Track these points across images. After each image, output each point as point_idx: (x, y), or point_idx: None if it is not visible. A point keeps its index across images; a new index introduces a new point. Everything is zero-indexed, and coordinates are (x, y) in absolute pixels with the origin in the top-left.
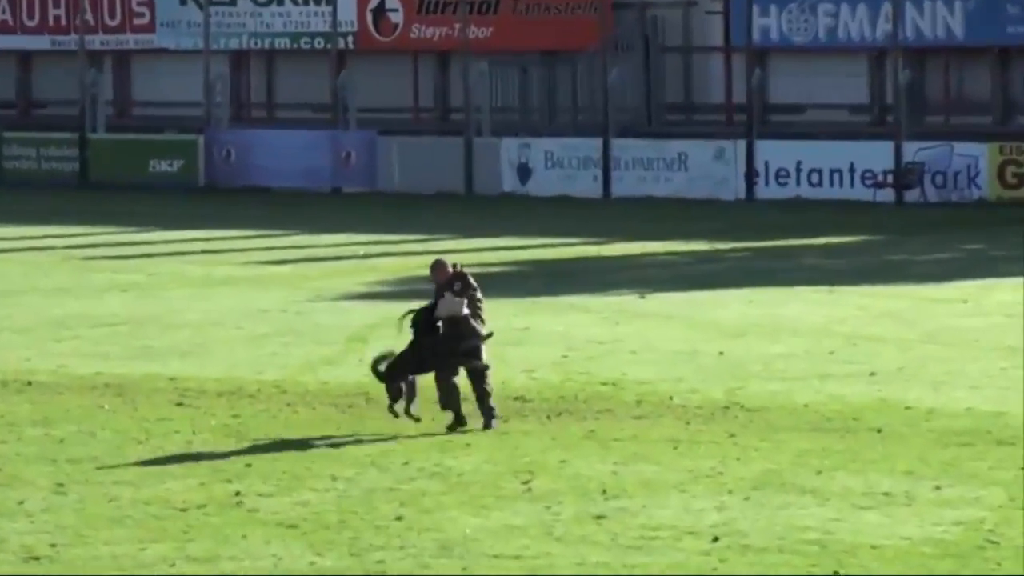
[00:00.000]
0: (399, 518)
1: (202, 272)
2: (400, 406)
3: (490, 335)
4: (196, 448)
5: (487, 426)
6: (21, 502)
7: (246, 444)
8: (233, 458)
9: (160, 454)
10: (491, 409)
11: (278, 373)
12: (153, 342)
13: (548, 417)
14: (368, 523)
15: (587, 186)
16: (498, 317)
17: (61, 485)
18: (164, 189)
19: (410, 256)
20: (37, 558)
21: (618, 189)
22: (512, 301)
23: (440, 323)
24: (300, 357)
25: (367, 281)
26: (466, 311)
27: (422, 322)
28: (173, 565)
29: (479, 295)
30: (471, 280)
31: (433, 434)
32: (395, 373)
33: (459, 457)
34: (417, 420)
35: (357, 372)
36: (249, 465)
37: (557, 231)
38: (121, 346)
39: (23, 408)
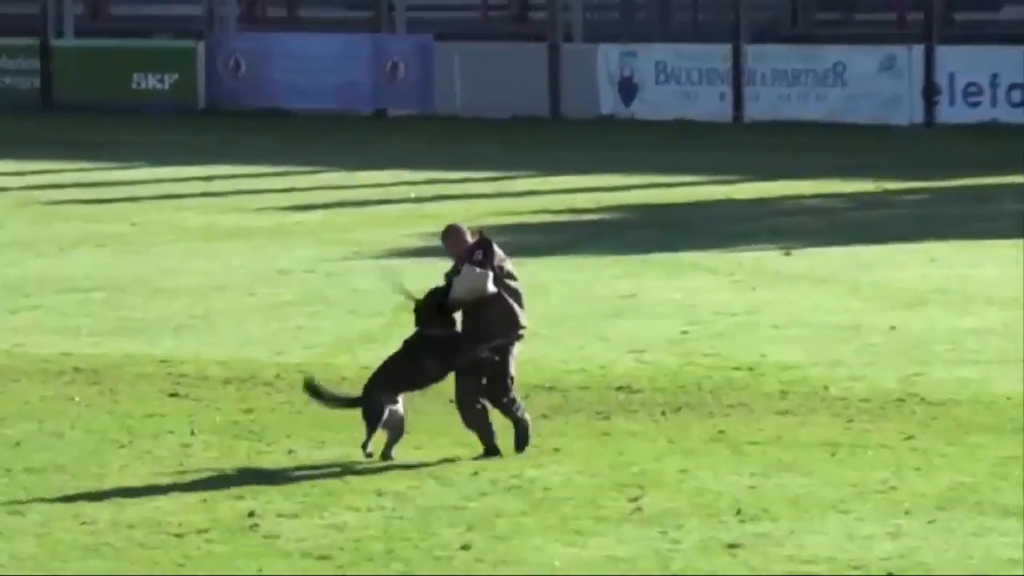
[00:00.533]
0: (465, 547)
1: (203, 221)
2: (375, 442)
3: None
4: (196, 453)
5: (519, 447)
6: None
7: (262, 448)
8: (245, 467)
9: (148, 462)
10: (519, 417)
11: (303, 354)
12: (138, 313)
13: (663, 413)
14: (425, 553)
15: (711, 107)
16: (596, 281)
17: (18, 503)
18: (152, 112)
19: (476, 199)
20: None
21: (753, 111)
22: (614, 259)
23: (453, 310)
24: (332, 333)
25: (419, 232)
26: (493, 287)
27: (425, 309)
28: None
29: (510, 267)
30: (499, 250)
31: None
32: (378, 387)
33: (545, 466)
34: (391, 459)
35: None
36: (266, 476)
37: (673, 166)
38: (96, 318)
39: None
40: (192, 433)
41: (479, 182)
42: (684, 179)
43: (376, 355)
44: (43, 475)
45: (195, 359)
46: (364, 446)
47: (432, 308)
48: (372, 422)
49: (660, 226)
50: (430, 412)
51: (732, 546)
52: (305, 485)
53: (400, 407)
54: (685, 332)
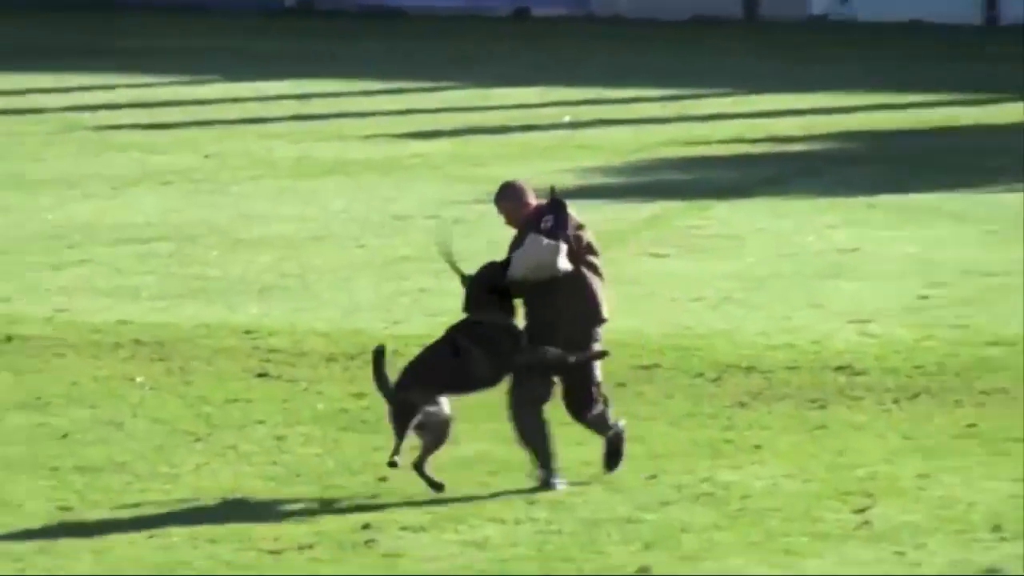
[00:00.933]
0: (643, 570)
1: (294, 152)
2: (403, 452)
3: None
4: (292, 449)
5: (610, 465)
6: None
7: (377, 443)
8: (356, 467)
9: (232, 459)
10: (610, 427)
11: (425, 323)
12: (214, 271)
13: (895, 401)
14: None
15: (956, 5)
16: (806, 230)
17: (68, 510)
18: (229, 9)
19: (647, 125)
20: None
21: (1010, 11)
22: (829, 202)
23: (513, 292)
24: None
25: (574, 167)
26: (567, 263)
27: (475, 290)
28: None
29: (591, 239)
30: (575, 215)
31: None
32: (411, 384)
33: (743, 467)
34: (437, 487)
35: None
36: (384, 480)
37: (904, 82)
38: (161, 277)
39: (1, 381)
40: (287, 424)
41: (651, 102)
42: (920, 99)
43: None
44: (99, 475)
45: (288, 329)
46: (391, 457)
47: (484, 288)
48: (400, 427)
49: (889, 160)
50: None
51: (991, 571)
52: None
53: (443, 408)
54: (923, 297)
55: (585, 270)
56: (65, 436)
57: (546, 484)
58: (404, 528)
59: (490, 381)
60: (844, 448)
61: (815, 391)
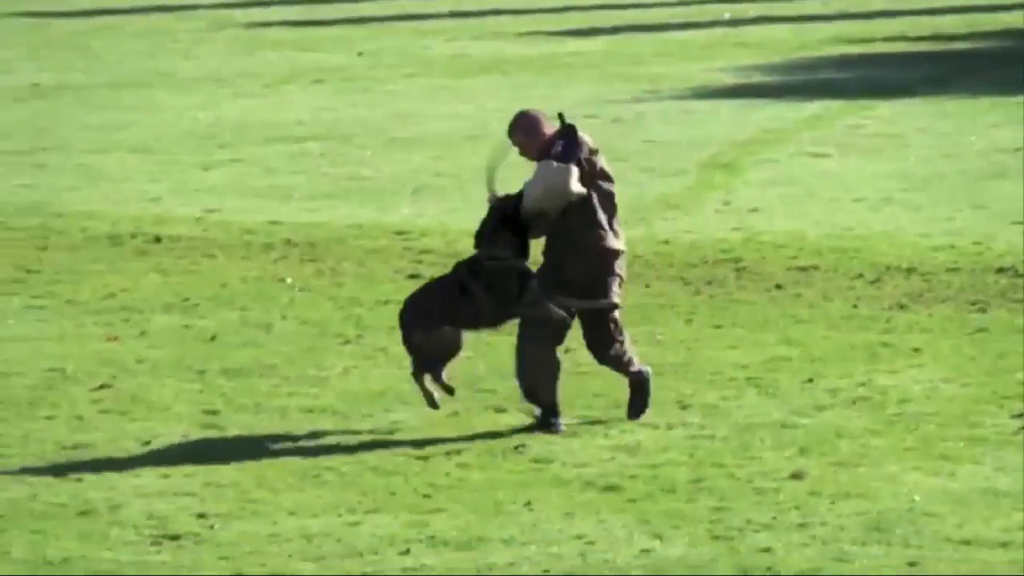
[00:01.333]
0: (796, 475)
1: (449, 50)
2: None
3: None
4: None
5: (633, 411)
6: (147, 442)
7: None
8: (508, 371)
9: (382, 362)
10: (629, 368)
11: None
12: (366, 170)
13: None
14: (743, 484)
15: None
16: (969, 130)
17: (213, 414)
18: None
19: (809, 23)
20: (175, 537)
21: None
22: (992, 101)
23: (529, 227)
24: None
25: (735, 65)
26: (579, 187)
27: (488, 223)
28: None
29: (604, 164)
30: (587, 139)
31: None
32: (414, 322)
33: (901, 371)
34: (449, 392)
35: (725, 222)
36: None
37: None
38: (312, 177)
39: (148, 282)
40: None
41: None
42: None
43: (677, 225)
44: (247, 379)
45: (441, 230)
46: (428, 399)
47: (496, 221)
48: (422, 365)
49: None
50: (750, 301)
51: None
52: (586, 395)
53: (452, 335)
54: None
55: (596, 201)
56: (213, 338)
57: (548, 426)
58: (555, 433)
59: (493, 322)
60: (1004, 351)
61: (976, 293)
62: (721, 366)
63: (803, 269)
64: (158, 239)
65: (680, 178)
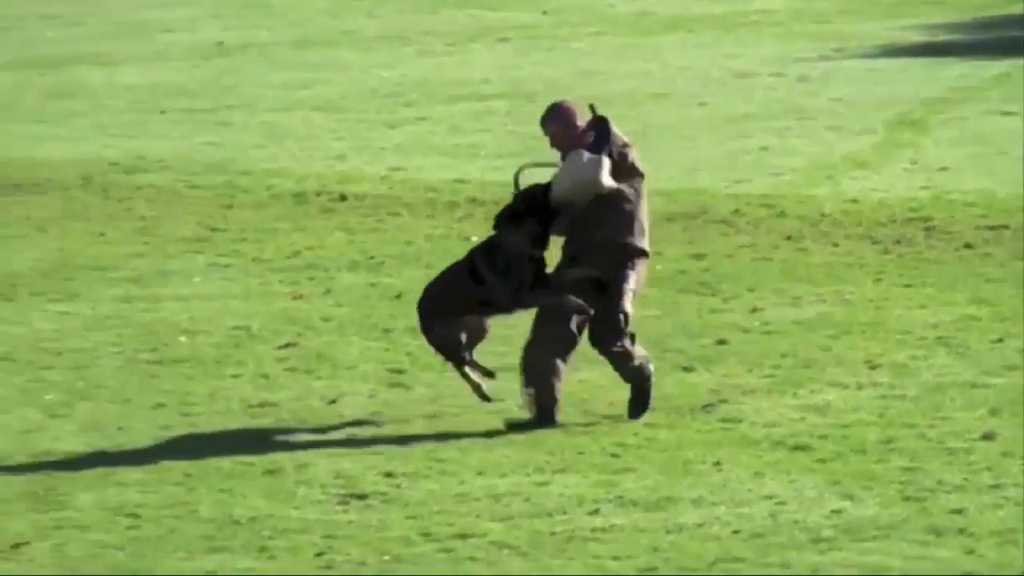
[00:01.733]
0: (988, 436)
1: (635, 7)
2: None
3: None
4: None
5: (634, 411)
6: (333, 401)
7: (715, 305)
8: (695, 328)
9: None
10: (634, 366)
11: (769, 183)
12: None
13: None
14: (934, 444)
15: None
16: None
17: (399, 372)
18: None
19: None
20: (363, 496)
21: None
22: None
23: (555, 216)
24: (807, 155)
25: (923, 23)
26: (610, 180)
27: (511, 206)
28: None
29: (636, 158)
30: (619, 133)
31: None
32: (432, 314)
33: None
34: (490, 376)
35: (914, 180)
36: (723, 343)
37: None
38: (497, 135)
39: (333, 240)
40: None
41: None
42: None
43: (866, 184)
44: None
45: None
46: (477, 391)
47: (521, 206)
48: (450, 355)
49: None
50: (939, 260)
51: None
52: (773, 355)
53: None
54: None
55: (623, 196)
56: (398, 296)
57: (543, 421)
58: (744, 392)
59: (506, 308)
60: None
61: None
62: (910, 325)
63: (993, 228)
64: (343, 197)
65: (868, 136)
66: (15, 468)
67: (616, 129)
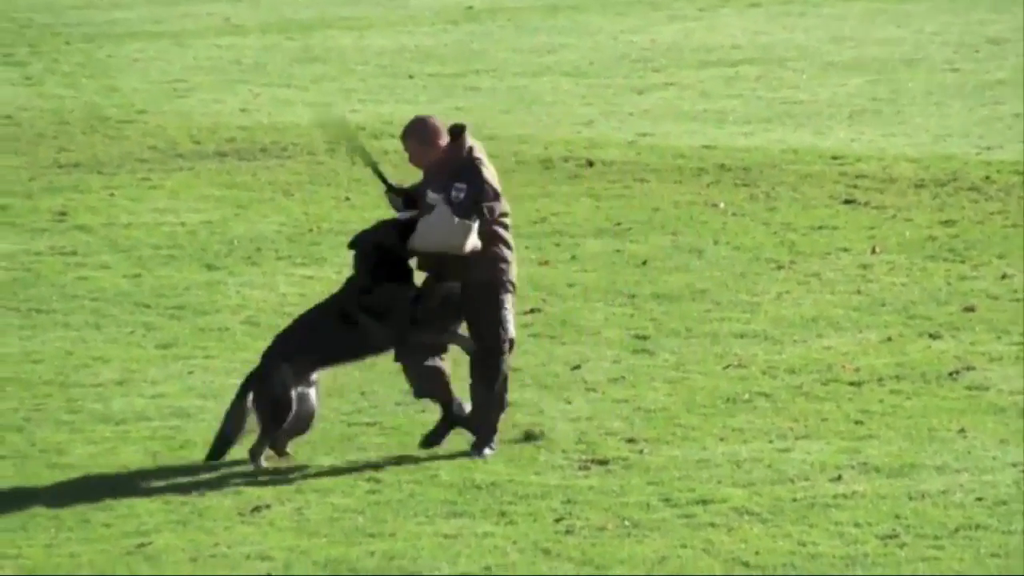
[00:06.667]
0: None
1: None
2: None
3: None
4: (877, 277)
5: (477, 452)
6: (577, 366)
7: (964, 272)
8: (943, 297)
9: (815, 288)
10: (489, 423)
11: (1018, 150)
12: (802, 95)
13: None
14: None
15: None
16: None
17: (643, 338)
18: None
19: None
20: (604, 461)
21: None
22: None
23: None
24: None
25: None
26: (476, 242)
27: (367, 255)
28: None
29: (505, 206)
30: (488, 175)
31: None
32: (284, 354)
33: None
34: (282, 455)
35: None
36: (970, 310)
37: None
38: (747, 101)
39: (580, 206)
40: (873, 251)
41: None
42: None
43: None
44: (678, 303)
45: (877, 155)
46: (253, 453)
47: (376, 252)
48: (271, 417)
49: None
50: None
51: None
52: (1021, 322)
53: (313, 392)
54: None
55: (494, 236)
56: (644, 263)
57: (445, 429)
58: (992, 359)
59: (384, 350)
60: None
61: None
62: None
63: None
64: (590, 163)
65: None
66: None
67: (486, 170)
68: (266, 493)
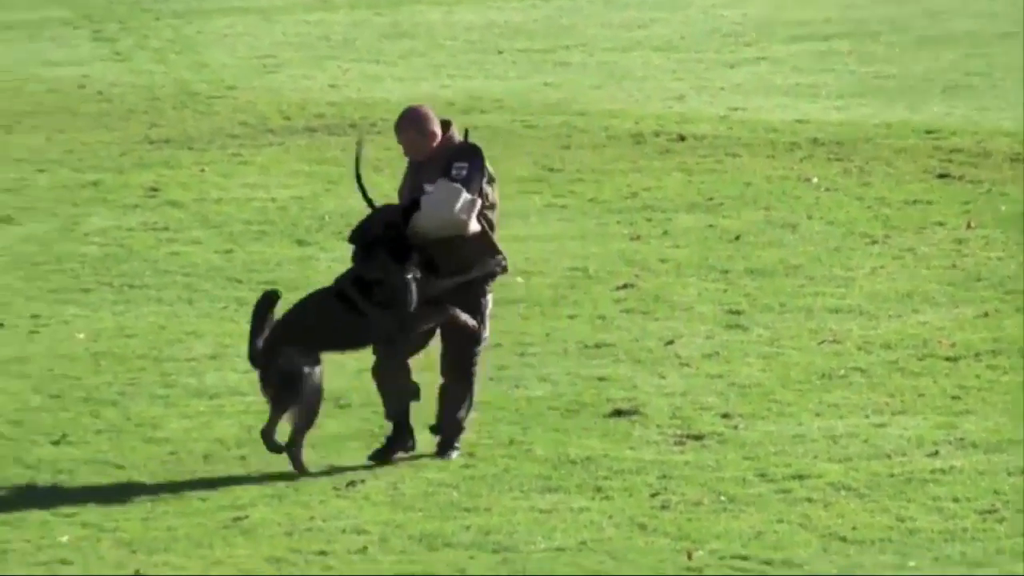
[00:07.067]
0: None
1: None
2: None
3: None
4: (973, 252)
5: (442, 453)
6: (670, 342)
7: None
8: None
9: (909, 262)
10: (457, 422)
11: None
12: (893, 68)
13: None
14: None
15: None
16: None
17: (736, 313)
18: None
19: None
20: (699, 436)
21: None
22: None
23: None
24: None
25: None
26: (476, 224)
27: (367, 241)
28: None
29: (493, 193)
30: (487, 165)
31: None
32: (288, 339)
33: None
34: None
35: None
36: None
37: None
38: (840, 75)
39: (671, 181)
40: (968, 226)
41: None
42: None
43: None
44: (771, 278)
45: (972, 129)
46: (266, 432)
47: (378, 238)
48: (283, 397)
49: None
50: None
51: None
52: None
53: (318, 371)
54: None
55: (482, 230)
56: (737, 238)
57: (390, 453)
58: None
59: (385, 339)
60: None
61: None
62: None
63: None
64: (682, 138)
65: None
66: (351, 408)
67: (483, 158)
68: (361, 468)
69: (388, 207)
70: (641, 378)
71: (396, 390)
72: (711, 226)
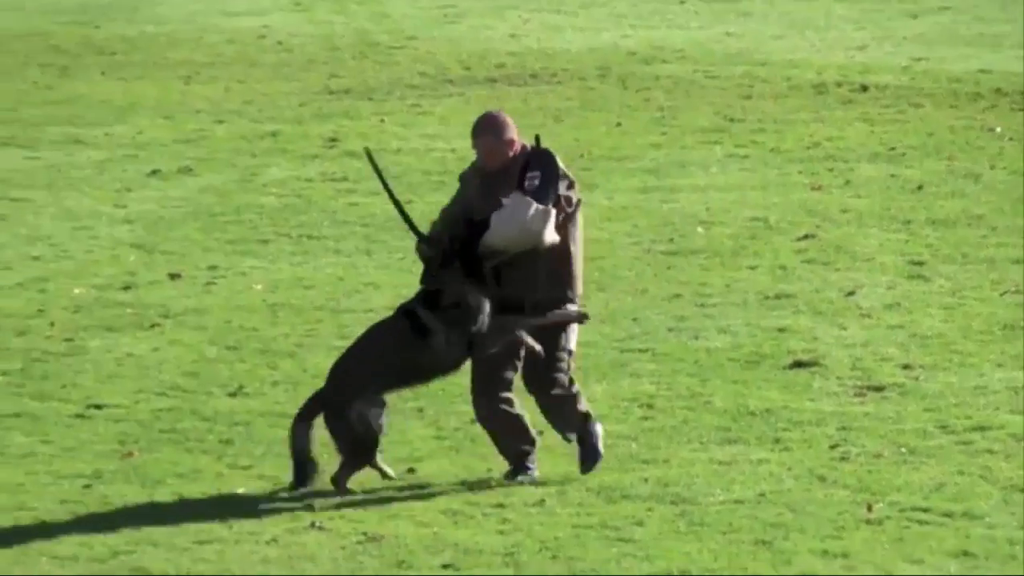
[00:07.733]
0: None
1: None
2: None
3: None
4: None
5: (586, 465)
6: (851, 293)
7: None
8: None
9: None
10: (578, 419)
11: None
12: None
13: None
14: None
15: None
16: None
17: (918, 264)
18: None
19: None
20: (879, 388)
21: None
22: None
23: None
24: None
25: None
26: (554, 235)
27: (443, 254)
28: None
29: (576, 195)
30: (562, 166)
31: None
32: (353, 382)
33: None
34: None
35: None
36: None
37: None
38: (1021, 26)
39: (853, 131)
40: None
41: None
42: None
43: None
44: (953, 229)
45: None
46: (336, 480)
47: (449, 251)
48: (351, 446)
49: None
50: None
51: None
52: None
53: (383, 414)
54: None
55: (561, 246)
56: (919, 188)
57: (518, 472)
58: None
59: (453, 366)
60: None
61: None
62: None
63: None
64: (864, 88)
65: None
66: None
67: (561, 164)
68: (539, 420)
69: (463, 223)
70: (821, 329)
71: (503, 413)
72: (893, 176)
